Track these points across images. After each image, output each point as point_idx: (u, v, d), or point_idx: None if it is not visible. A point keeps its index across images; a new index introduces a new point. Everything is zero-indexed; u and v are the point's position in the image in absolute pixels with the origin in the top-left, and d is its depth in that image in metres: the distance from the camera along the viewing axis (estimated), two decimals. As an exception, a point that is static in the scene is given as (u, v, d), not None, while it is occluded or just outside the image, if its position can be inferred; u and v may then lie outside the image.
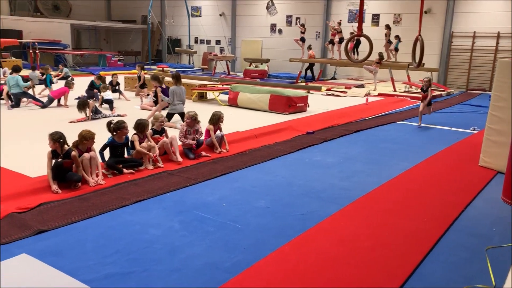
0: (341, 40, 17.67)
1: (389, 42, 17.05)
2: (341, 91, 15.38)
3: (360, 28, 8.13)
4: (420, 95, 10.79)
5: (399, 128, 9.41)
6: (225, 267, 3.28)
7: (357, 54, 17.54)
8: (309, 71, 19.83)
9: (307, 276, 3.17)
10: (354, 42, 17.19)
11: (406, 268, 3.32)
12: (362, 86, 16.94)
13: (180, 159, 6.05)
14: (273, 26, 24.15)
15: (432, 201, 4.87)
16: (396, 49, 17.04)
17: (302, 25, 19.16)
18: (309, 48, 19.41)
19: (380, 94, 15.02)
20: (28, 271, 3.15)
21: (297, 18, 22.99)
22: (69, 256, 3.37)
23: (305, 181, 5.52)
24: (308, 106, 11.23)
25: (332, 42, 18.38)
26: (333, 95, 14.95)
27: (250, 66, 21.42)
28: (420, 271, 3.33)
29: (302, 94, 11.25)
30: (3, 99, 10.10)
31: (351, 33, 15.00)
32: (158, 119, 6.29)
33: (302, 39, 18.94)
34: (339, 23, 18.15)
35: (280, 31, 23.90)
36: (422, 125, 9.54)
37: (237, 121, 8.98)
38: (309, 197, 4.94)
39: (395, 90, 15.51)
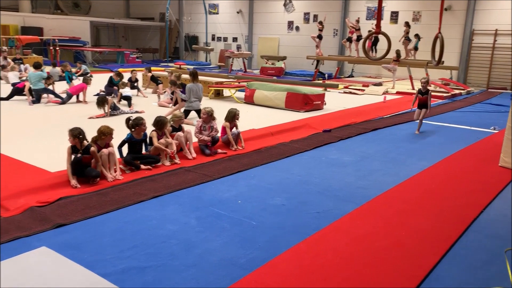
0: (359, 38, 17.50)
1: (407, 39, 16.82)
2: (359, 89, 15.25)
3: (378, 25, 8.05)
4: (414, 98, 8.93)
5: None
6: (240, 263, 3.30)
7: (376, 52, 17.36)
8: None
9: (322, 274, 3.16)
10: (372, 39, 17.02)
11: (422, 269, 3.29)
12: (380, 84, 16.77)
13: (194, 154, 6.09)
14: (290, 24, 24.06)
15: (450, 201, 4.81)
16: (416, 48, 16.80)
17: (320, 23, 19.05)
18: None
19: (398, 92, 14.85)
20: (48, 263, 3.22)
21: (314, 16, 22.86)
22: (88, 250, 3.43)
23: (321, 179, 5.50)
24: (325, 104, 11.17)
25: (350, 39, 18.24)
26: (350, 93, 14.84)
27: (266, 63, 21.39)
28: (437, 272, 3.30)
29: (319, 92, 11.20)
30: (25, 94, 10.31)
31: (369, 31, 14.84)
32: (181, 118, 6.35)
33: (319, 36, 18.85)
34: (357, 21, 17.99)
35: (297, 28, 23.80)
36: (420, 132, 8.55)
37: (253, 119, 8.99)
38: (325, 195, 4.93)
39: (413, 89, 15.30)
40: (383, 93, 14.56)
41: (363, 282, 3.08)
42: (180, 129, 6.30)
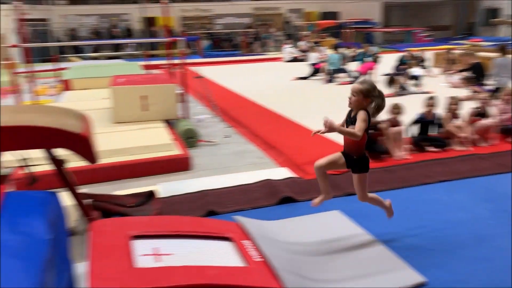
0: None
1: None
2: None
3: None
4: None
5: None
6: (542, 270, 2.85)
7: None
8: None
9: None
10: None
11: None
12: None
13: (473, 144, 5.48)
14: None
15: None
16: None
17: None
18: None
19: None
20: (340, 225, 3.61)
21: None
22: (375, 221, 3.62)
23: None
24: None
25: None
26: None
27: None
28: None
29: None
30: (321, 74, 11.52)
31: None
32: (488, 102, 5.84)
33: None
34: None
35: None
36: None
37: None
38: None
39: None
40: None
41: None
42: (484, 114, 5.74)
